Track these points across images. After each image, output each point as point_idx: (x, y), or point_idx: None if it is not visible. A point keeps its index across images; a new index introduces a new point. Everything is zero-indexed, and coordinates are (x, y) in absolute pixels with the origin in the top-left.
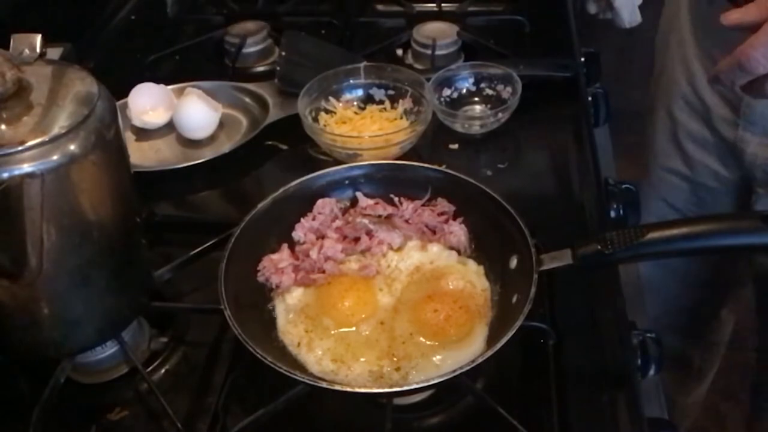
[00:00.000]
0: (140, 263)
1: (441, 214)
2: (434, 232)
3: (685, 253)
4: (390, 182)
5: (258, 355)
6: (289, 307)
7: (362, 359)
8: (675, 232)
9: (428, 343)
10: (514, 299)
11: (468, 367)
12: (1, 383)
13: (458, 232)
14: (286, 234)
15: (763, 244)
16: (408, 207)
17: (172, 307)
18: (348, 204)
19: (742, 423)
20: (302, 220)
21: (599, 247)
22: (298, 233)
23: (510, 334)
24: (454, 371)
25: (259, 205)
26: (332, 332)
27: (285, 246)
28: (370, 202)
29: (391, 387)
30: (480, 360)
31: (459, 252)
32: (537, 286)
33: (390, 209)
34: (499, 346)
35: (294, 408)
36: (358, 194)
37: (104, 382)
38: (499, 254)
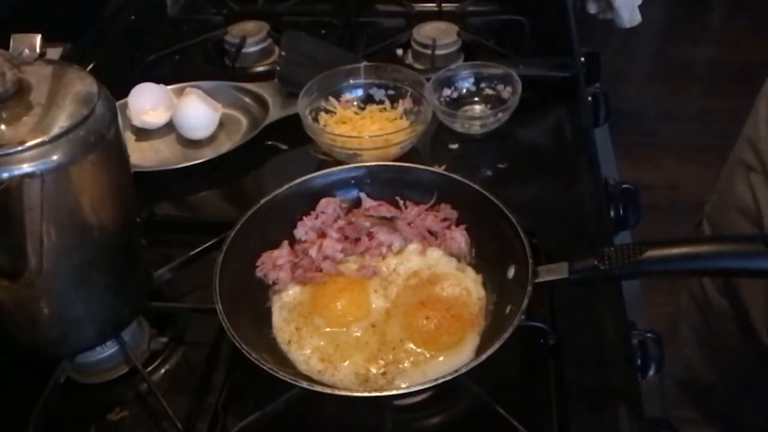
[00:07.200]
0: (140, 263)
1: (444, 219)
2: (436, 237)
3: (683, 274)
4: (395, 184)
5: (244, 350)
6: (285, 304)
7: (349, 361)
8: (674, 251)
9: (418, 350)
10: (507, 310)
11: (450, 377)
12: (1, 383)
13: (459, 238)
14: (288, 231)
15: (763, 270)
16: (412, 210)
17: (172, 307)
18: (352, 204)
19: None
20: (305, 218)
21: (596, 262)
22: (299, 231)
23: (496, 346)
24: (436, 379)
25: (262, 201)
26: (323, 332)
27: (285, 243)
28: (374, 203)
29: (379, 391)
30: (463, 371)
31: (459, 259)
32: (531, 295)
33: (394, 211)
34: (483, 358)
35: (294, 408)
36: (362, 195)
37: (104, 382)
38: (498, 263)
